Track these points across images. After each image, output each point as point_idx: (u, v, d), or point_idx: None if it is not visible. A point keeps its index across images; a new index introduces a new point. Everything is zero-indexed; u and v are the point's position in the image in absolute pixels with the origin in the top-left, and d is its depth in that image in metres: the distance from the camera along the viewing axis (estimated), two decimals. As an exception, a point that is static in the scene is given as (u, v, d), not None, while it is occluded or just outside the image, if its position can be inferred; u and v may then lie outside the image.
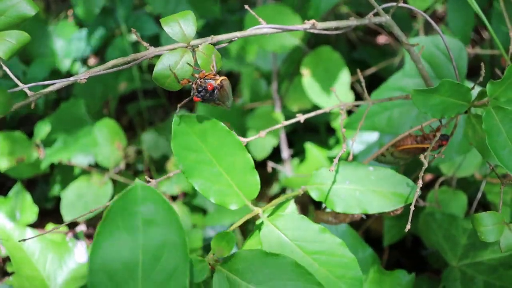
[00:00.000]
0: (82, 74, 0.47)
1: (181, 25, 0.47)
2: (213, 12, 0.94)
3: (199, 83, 0.46)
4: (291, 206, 0.54)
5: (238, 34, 0.50)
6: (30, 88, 0.47)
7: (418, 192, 0.46)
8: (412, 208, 0.45)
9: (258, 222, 0.50)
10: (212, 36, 0.49)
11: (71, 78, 0.46)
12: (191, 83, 0.46)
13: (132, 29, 0.48)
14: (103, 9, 0.97)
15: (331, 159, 0.94)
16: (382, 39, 1.18)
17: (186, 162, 0.47)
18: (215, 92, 0.47)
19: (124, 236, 0.37)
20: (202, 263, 0.44)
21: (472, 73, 0.81)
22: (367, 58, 1.07)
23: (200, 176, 0.47)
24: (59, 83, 0.47)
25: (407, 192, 0.49)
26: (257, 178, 0.48)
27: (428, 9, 0.90)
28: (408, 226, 0.44)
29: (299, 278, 0.41)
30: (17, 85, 0.46)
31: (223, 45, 0.51)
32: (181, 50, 0.46)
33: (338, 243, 0.46)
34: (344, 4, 1.01)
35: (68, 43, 1.00)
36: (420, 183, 0.46)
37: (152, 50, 0.48)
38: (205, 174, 0.48)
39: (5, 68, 0.46)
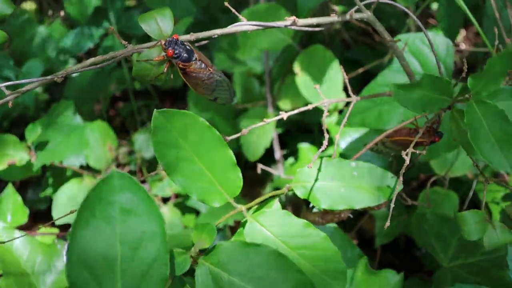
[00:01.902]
0: (59, 73, 0.46)
1: (158, 22, 0.46)
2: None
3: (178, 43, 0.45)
4: (276, 204, 0.53)
5: (218, 31, 0.49)
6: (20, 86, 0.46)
7: (398, 187, 0.45)
8: (392, 205, 0.44)
9: (242, 220, 0.49)
10: (191, 33, 0.48)
11: (48, 77, 0.46)
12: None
13: (110, 27, 0.47)
14: (96, 9, 0.96)
15: (323, 158, 0.93)
16: (375, 38, 1.18)
17: (166, 159, 0.46)
18: (193, 53, 0.46)
19: (101, 226, 0.36)
20: (184, 255, 0.43)
21: (469, 71, 0.80)
22: (361, 57, 1.06)
23: (181, 173, 0.46)
24: (36, 82, 0.46)
25: (389, 185, 0.48)
26: (239, 175, 0.47)
27: (418, 7, 0.90)
28: (387, 224, 0.43)
29: (280, 267, 0.41)
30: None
31: (203, 42, 0.51)
32: (159, 47, 0.46)
33: (322, 237, 0.45)
34: (337, 4, 1.00)
35: (61, 43, 1.00)
36: (401, 179, 0.45)
37: (131, 48, 0.47)
38: (186, 171, 0.46)
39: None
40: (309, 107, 0.59)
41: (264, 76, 0.95)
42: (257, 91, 0.96)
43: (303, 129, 1.04)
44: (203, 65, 0.48)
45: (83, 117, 0.95)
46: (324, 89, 0.88)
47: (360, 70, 0.93)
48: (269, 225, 0.47)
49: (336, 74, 0.88)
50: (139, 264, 0.36)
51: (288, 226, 0.47)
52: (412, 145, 0.49)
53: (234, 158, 0.47)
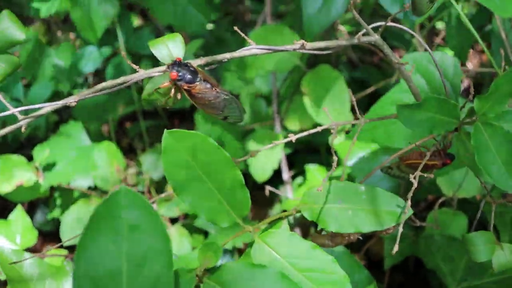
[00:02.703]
0: (72, 97, 0.47)
1: (169, 48, 0.47)
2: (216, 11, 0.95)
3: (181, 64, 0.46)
4: (284, 226, 0.54)
5: (227, 55, 0.50)
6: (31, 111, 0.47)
7: (407, 211, 0.45)
8: (401, 229, 0.44)
9: (250, 240, 0.49)
10: (201, 57, 0.49)
11: (60, 102, 0.46)
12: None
13: (121, 51, 0.48)
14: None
15: (331, 180, 0.94)
16: (381, 57, 1.18)
17: (176, 179, 0.47)
18: (197, 74, 0.46)
19: (107, 242, 0.36)
20: (189, 273, 0.43)
21: (478, 91, 0.80)
22: (367, 77, 1.06)
23: (190, 193, 0.47)
24: (49, 107, 0.47)
25: (398, 210, 0.48)
26: (247, 195, 0.48)
27: (424, 26, 0.90)
28: (396, 248, 0.43)
29: (286, 289, 0.41)
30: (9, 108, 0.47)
31: (213, 66, 0.51)
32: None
33: (330, 260, 0.45)
34: (344, 24, 1.01)
35: (69, 64, 1.01)
36: (409, 203, 0.45)
37: (142, 73, 0.48)
38: (195, 191, 0.47)
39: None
40: (318, 129, 0.60)
41: (271, 96, 0.96)
42: (264, 111, 0.97)
43: (311, 150, 1.04)
44: (208, 85, 0.48)
45: (91, 138, 0.95)
46: (331, 109, 0.88)
47: (368, 91, 0.93)
48: (277, 246, 0.47)
49: (343, 93, 0.89)
50: (144, 282, 0.36)
51: (296, 247, 0.47)
52: (420, 167, 0.50)
53: (242, 178, 0.48)
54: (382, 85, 0.94)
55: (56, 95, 1.03)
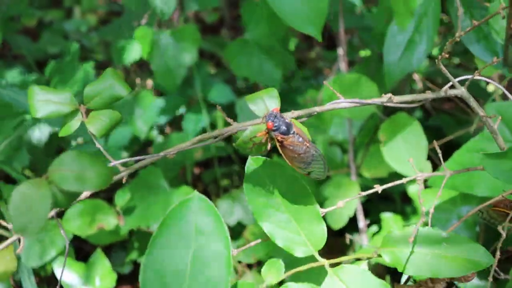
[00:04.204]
0: (170, 150, 0.49)
1: (266, 102, 0.48)
2: (290, 67, 0.98)
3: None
4: (364, 265, 0.54)
5: (317, 109, 0.51)
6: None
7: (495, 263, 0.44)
8: (490, 279, 0.44)
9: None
10: (293, 111, 0.50)
11: (161, 153, 0.48)
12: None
13: (217, 106, 0.50)
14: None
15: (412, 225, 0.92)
16: (458, 105, 1.17)
17: (256, 204, 0.49)
18: (292, 127, 0.47)
19: (177, 242, 0.39)
20: (251, 286, 0.45)
21: None
22: (442, 125, 1.05)
23: (268, 219, 0.49)
24: (149, 158, 0.48)
25: (482, 260, 0.47)
26: (324, 228, 0.49)
27: (505, 76, 0.88)
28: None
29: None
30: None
31: (303, 119, 0.52)
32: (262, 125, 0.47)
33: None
34: (417, 72, 1.01)
35: (147, 112, 1.05)
36: (498, 253, 0.44)
37: (236, 125, 0.49)
38: (273, 218, 0.49)
39: (98, 145, 0.49)
40: (403, 180, 0.59)
41: (345, 144, 0.95)
42: (339, 159, 0.96)
43: (385, 198, 1.03)
44: (300, 139, 0.49)
45: (168, 182, 0.97)
46: (409, 157, 0.87)
47: (445, 140, 0.92)
48: (348, 281, 0.47)
49: (421, 142, 0.88)
50: (204, 283, 0.39)
51: (368, 285, 0.47)
52: (508, 218, 0.49)
53: (320, 211, 0.49)
54: (461, 134, 0.93)
55: (132, 141, 1.06)
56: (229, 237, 0.40)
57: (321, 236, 0.49)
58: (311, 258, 0.49)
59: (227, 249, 0.39)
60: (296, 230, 0.49)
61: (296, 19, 0.60)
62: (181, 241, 0.39)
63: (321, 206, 0.93)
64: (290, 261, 0.84)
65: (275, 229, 0.49)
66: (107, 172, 0.37)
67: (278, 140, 0.48)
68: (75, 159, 0.37)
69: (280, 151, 0.50)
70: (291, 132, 0.48)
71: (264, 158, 0.50)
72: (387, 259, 0.50)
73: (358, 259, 0.93)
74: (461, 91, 0.53)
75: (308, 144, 0.49)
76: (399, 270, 0.49)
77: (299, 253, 0.48)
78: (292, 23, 0.61)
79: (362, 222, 0.93)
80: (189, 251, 0.39)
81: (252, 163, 0.49)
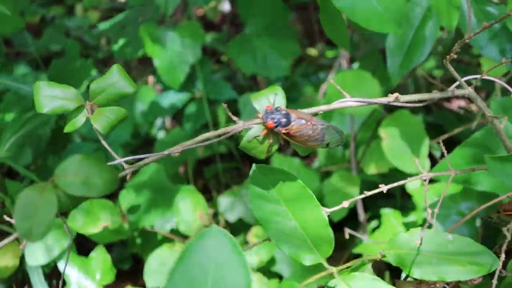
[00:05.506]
0: (175, 148, 0.49)
1: (270, 100, 0.48)
2: (296, 52, 0.97)
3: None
4: (368, 270, 0.54)
5: (323, 107, 0.51)
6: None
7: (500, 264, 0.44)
8: (495, 282, 0.44)
9: (330, 284, 0.49)
10: (299, 110, 0.50)
11: (165, 152, 0.48)
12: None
13: (223, 104, 0.50)
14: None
15: (406, 225, 0.92)
16: (457, 103, 1.17)
17: (261, 211, 0.49)
18: (290, 115, 0.47)
19: (195, 274, 0.38)
20: None
21: None
22: (443, 122, 1.05)
23: (274, 226, 0.49)
24: (153, 156, 0.49)
25: (487, 262, 0.48)
26: (331, 235, 0.49)
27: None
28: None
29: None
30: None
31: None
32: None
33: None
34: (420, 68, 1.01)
35: (148, 107, 1.05)
36: (503, 256, 0.44)
37: (241, 124, 0.49)
38: (279, 225, 0.49)
39: (103, 142, 0.49)
40: (409, 180, 0.60)
41: (349, 140, 0.96)
42: (340, 154, 0.97)
43: (385, 193, 1.03)
44: (303, 121, 0.48)
45: (170, 179, 0.97)
46: (409, 154, 0.87)
47: (445, 136, 0.92)
48: None
49: (422, 139, 0.88)
50: None
51: None
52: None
53: (326, 218, 0.49)
54: (461, 131, 0.93)
55: (133, 137, 1.06)
56: (250, 269, 0.40)
57: (328, 243, 0.48)
58: (320, 266, 0.48)
59: (247, 283, 0.38)
60: (303, 237, 0.48)
61: (373, 20, 0.58)
62: (199, 274, 0.38)
63: (323, 200, 0.93)
64: (296, 269, 0.85)
65: (281, 237, 0.48)
66: (113, 177, 0.37)
67: (284, 134, 0.48)
68: (81, 164, 0.36)
69: (290, 142, 0.50)
70: (292, 120, 0.48)
71: (269, 166, 0.49)
72: (392, 261, 0.50)
73: (359, 255, 0.94)
74: (469, 91, 0.54)
75: (313, 122, 0.49)
76: (405, 272, 0.49)
77: (307, 261, 0.48)
78: (368, 25, 0.59)
79: (362, 216, 0.93)
80: (207, 284, 0.38)
81: (256, 171, 0.49)
